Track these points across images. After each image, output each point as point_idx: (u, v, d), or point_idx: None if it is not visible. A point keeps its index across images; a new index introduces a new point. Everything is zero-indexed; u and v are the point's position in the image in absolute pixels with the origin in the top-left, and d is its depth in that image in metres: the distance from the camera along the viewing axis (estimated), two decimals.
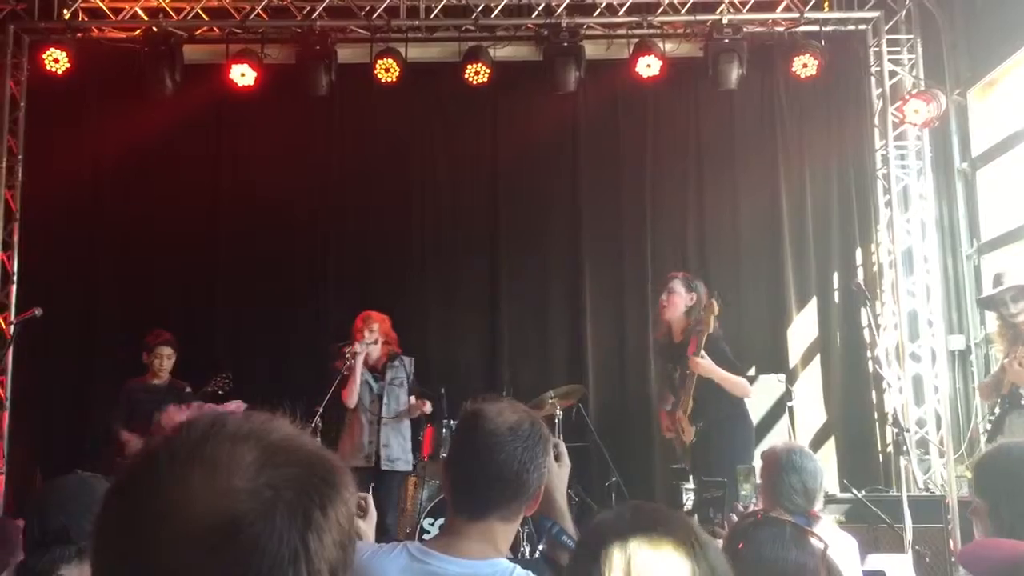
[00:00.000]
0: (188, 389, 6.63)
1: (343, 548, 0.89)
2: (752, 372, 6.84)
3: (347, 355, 6.23)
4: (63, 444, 7.23)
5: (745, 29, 7.61)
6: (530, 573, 1.94)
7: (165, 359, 6.63)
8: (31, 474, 7.06)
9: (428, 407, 6.47)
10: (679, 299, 5.88)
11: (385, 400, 6.33)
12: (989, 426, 5.54)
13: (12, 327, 6.98)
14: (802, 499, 3.49)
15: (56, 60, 7.42)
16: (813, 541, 2.10)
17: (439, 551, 1.99)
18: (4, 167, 7.63)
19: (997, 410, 5.47)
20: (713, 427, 5.75)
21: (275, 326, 7.69)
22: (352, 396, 6.27)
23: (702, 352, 5.60)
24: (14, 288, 7.59)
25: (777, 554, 2.06)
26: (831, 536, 3.35)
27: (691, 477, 5.96)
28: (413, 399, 6.45)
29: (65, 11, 7.69)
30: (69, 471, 2.63)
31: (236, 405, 5.61)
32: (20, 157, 7.74)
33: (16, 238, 7.68)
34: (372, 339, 6.35)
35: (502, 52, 7.84)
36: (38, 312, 6.06)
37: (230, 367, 6.89)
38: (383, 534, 5.01)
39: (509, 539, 2.08)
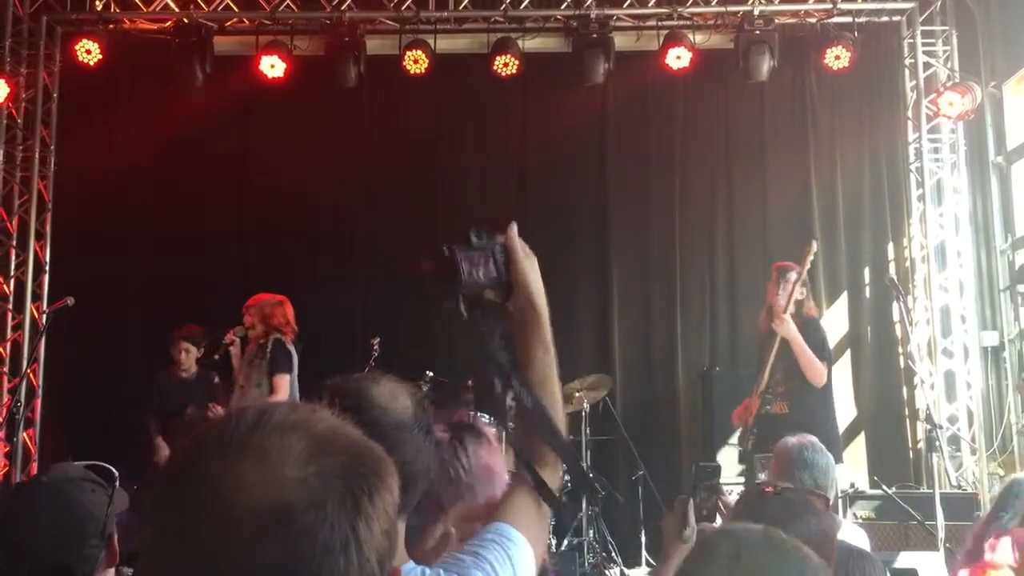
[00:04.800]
0: (216, 380, 6.70)
1: (389, 537, 0.90)
2: None
3: (221, 347, 6.06)
4: (94, 432, 7.31)
5: (776, 20, 7.54)
6: (440, 571, 1.63)
7: (183, 352, 6.74)
8: (62, 461, 7.14)
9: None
10: (792, 290, 5.60)
11: (241, 383, 6.00)
12: None
13: (44, 316, 7.06)
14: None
15: (88, 51, 7.49)
16: (818, 503, 2.07)
17: None
18: (37, 157, 7.72)
19: None
20: (797, 419, 5.27)
21: (301, 319, 7.69)
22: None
23: (789, 315, 5.38)
24: (46, 278, 7.69)
25: (799, 527, 1.99)
26: (843, 531, 3.32)
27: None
28: None
29: (97, 2, 7.75)
30: (101, 459, 2.55)
31: None
32: (52, 148, 7.82)
33: (48, 228, 7.78)
34: (249, 323, 6.06)
35: (531, 44, 7.82)
36: (70, 301, 6.11)
37: None
38: None
39: None
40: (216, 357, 6.19)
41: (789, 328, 5.41)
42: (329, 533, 0.83)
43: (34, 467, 7.33)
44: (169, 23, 7.69)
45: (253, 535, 0.82)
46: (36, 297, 7.66)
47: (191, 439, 0.90)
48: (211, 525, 0.83)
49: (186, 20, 7.59)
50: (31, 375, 7.42)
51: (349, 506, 0.85)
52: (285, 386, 5.83)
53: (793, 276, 5.58)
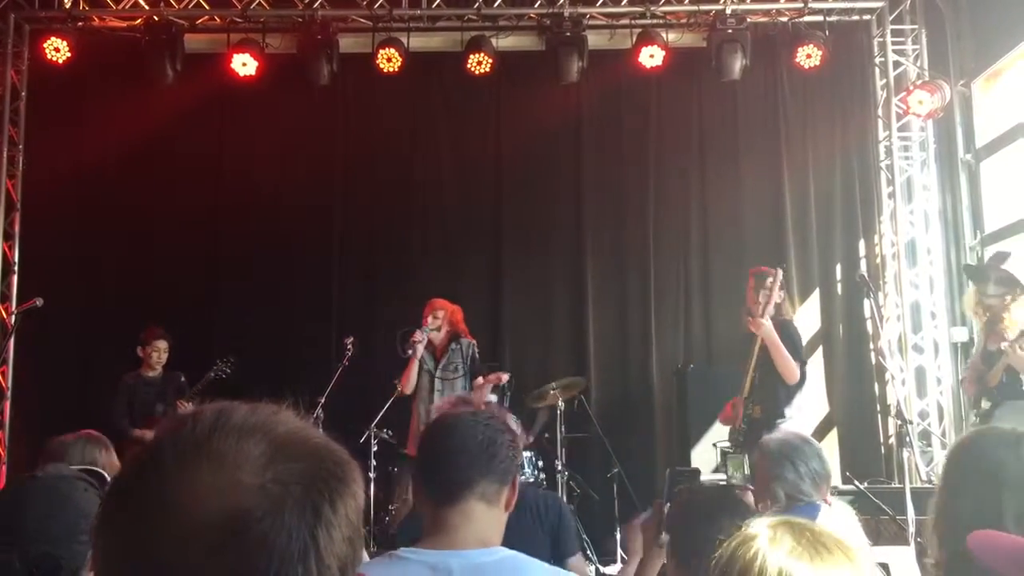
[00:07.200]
0: (183, 379, 6.69)
1: (352, 543, 0.87)
2: None
3: (410, 342, 6.31)
4: (64, 434, 7.21)
5: (749, 19, 7.57)
6: (543, 564, 1.87)
7: (162, 352, 6.77)
8: (31, 463, 7.06)
9: (504, 377, 6.47)
10: (773, 295, 5.62)
11: (439, 388, 6.32)
12: (976, 419, 5.41)
13: (13, 317, 6.98)
14: (811, 487, 3.43)
15: (57, 49, 7.40)
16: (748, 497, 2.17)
17: (430, 548, 1.93)
18: (5, 157, 7.62)
19: (986, 403, 5.33)
20: (768, 419, 5.40)
21: (277, 317, 7.67)
22: (408, 383, 6.32)
23: (768, 317, 5.41)
24: (15, 278, 7.60)
25: (732, 519, 2.03)
26: (845, 521, 3.31)
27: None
28: (480, 380, 6.35)
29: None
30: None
31: None
32: (21, 147, 7.73)
33: (17, 228, 7.68)
34: (435, 326, 6.40)
35: (505, 42, 7.81)
36: (39, 302, 6.07)
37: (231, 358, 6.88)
38: None
39: (500, 532, 2.01)
40: (409, 353, 6.35)
41: (766, 329, 5.42)
42: (286, 541, 0.80)
43: (2, 470, 7.23)
44: (139, 21, 7.62)
45: (208, 544, 0.79)
46: (4, 298, 7.56)
47: (147, 443, 0.87)
48: (164, 534, 0.80)
49: (156, 18, 7.51)
50: (0, 377, 7.34)
51: (308, 513, 0.83)
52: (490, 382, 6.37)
53: (770, 281, 5.62)
